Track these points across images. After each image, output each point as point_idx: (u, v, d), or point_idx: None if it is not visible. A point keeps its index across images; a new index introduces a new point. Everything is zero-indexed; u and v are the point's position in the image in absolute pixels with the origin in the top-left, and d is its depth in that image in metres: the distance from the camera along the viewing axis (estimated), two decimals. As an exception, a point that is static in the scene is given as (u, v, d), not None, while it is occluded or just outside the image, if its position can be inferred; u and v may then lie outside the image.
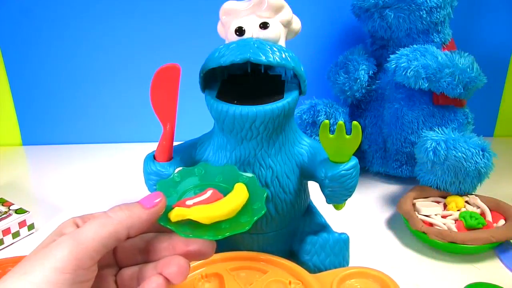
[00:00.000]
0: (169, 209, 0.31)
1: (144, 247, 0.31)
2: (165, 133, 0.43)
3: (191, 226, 0.30)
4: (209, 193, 0.32)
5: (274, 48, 0.41)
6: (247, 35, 0.43)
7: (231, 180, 0.35)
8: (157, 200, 0.30)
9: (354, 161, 0.42)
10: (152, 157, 0.45)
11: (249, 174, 0.36)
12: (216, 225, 0.30)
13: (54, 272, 0.25)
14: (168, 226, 0.30)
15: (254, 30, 0.43)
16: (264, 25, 0.43)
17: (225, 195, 0.32)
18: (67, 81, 0.86)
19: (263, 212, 0.31)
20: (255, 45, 0.41)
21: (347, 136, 0.40)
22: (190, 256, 0.30)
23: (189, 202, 0.31)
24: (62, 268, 0.25)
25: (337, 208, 0.48)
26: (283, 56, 0.41)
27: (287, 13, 0.44)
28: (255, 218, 0.31)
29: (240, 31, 0.43)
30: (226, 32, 0.45)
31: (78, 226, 0.29)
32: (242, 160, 0.44)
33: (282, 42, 0.44)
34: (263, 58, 0.40)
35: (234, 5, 0.44)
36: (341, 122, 0.39)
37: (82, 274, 0.26)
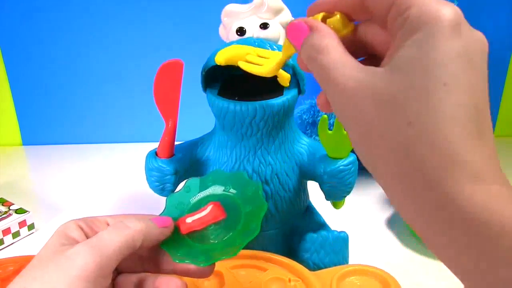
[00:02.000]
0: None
1: (147, 256, 0.32)
2: (167, 129, 0.43)
3: (186, 247, 0.31)
4: (208, 208, 0.33)
5: (274, 47, 0.42)
6: (247, 35, 0.44)
7: (239, 189, 0.35)
8: (167, 222, 0.31)
9: (352, 157, 0.43)
10: (154, 154, 0.45)
11: (256, 183, 0.35)
12: (209, 247, 0.31)
13: (77, 280, 0.25)
14: (164, 248, 0.31)
15: (255, 30, 0.44)
16: (264, 26, 0.44)
17: (232, 207, 0.33)
18: (67, 81, 0.86)
19: (256, 233, 0.31)
20: (256, 44, 0.41)
21: (345, 132, 0.40)
22: (190, 274, 0.31)
23: (188, 220, 0.32)
24: (85, 276, 0.25)
25: (336, 206, 0.48)
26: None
27: (287, 15, 0.45)
28: (246, 241, 0.31)
29: (241, 31, 0.44)
30: (227, 33, 0.46)
31: (82, 229, 0.29)
32: (242, 157, 0.44)
33: (281, 43, 0.44)
34: None
35: (235, 7, 0.45)
36: None
37: (101, 282, 0.26)
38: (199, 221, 0.32)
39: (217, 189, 0.35)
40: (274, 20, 0.44)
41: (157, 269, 0.31)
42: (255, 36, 0.43)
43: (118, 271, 0.31)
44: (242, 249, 0.30)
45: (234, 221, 0.32)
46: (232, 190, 0.35)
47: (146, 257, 0.32)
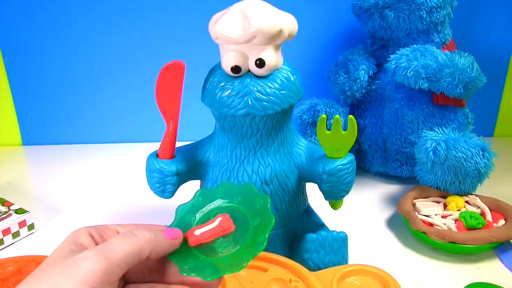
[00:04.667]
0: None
1: (154, 267, 0.32)
2: (168, 130, 0.43)
3: (193, 259, 0.31)
4: (217, 220, 0.33)
5: (272, 96, 0.42)
6: (243, 72, 0.42)
7: (248, 202, 0.35)
8: (177, 234, 0.31)
9: (350, 157, 0.43)
10: (155, 155, 0.46)
11: (265, 196, 0.35)
12: (216, 261, 0.31)
13: (82, 285, 0.25)
14: (171, 260, 0.31)
15: (251, 65, 0.42)
16: (260, 63, 0.41)
17: (240, 220, 0.33)
18: (67, 81, 0.86)
19: (263, 247, 0.31)
20: (253, 96, 0.41)
21: (343, 132, 0.41)
22: (197, 286, 0.31)
23: (197, 232, 0.32)
24: (91, 281, 0.25)
25: (335, 207, 0.48)
26: (281, 94, 0.42)
27: (284, 35, 0.42)
28: (254, 255, 0.31)
29: (236, 69, 0.42)
30: (221, 54, 0.43)
31: (92, 237, 0.29)
32: (242, 158, 0.45)
33: (279, 59, 0.43)
34: (262, 112, 0.41)
35: (226, 30, 0.41)
36: (337, 116, 0.40)
37: None
38: (208, 233, 0.32)
39: (226, 201, 0.35)
40: (269, 48, 0.42)
41: (165, 280, 0.31)
42: (252, 70, 0.42)
43: (125, 281, 0.31)
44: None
45: (242, 234, 0.32)
46: (240, 203, 0.35)
47: (154, 267, 0.32)
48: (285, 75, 0.43)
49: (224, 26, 0.41)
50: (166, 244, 0.30)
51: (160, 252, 0.30)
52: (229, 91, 0.42)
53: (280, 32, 0.41)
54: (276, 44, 0.42)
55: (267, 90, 0.42)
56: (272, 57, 0.42)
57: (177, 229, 0.32)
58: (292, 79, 0.43)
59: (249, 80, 0.42)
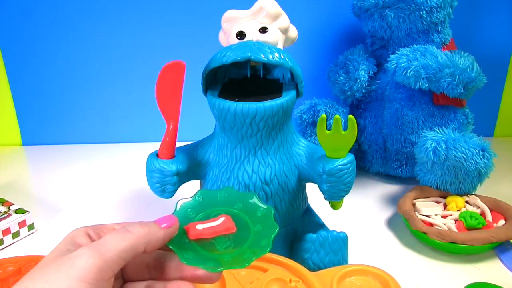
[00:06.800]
0: (181, 230, 0.32)
1: (153, 263, 0.32)
2: (168, 130, 0.43)
3: (194, 252, 0.31)
4: (221, 220, 0.33)
5: (273, 49, 0.43)
6: (247, 38, 0.44)
7: (249, 209, 0.35)
8: (172, 221, 0.31)
9: (350, 157, 0.43)
10: (155, 155, 0.46)
11: (268, 206, 0.35)
12: (218, 256, 0.31)
13: (77, 281, 0.25)
14: (171, 247, 0.30)
15: (254, 34, 0.44)
16: (263, 30, 0.45)
17: (241, 224, 0.33)
18: (67, 81, 0.86)
19: (267, 250, 0.31)
20: (256, 46, 0.42)
21: (344, 132, 0.41)
22: (197, 280, 0.31)
23: (199, 227, 0.32)
24: (85, 278, 0.25)
25: (335, 207, 0.48)
26: (281, 56, 0.43)
27: (284, 20, 0.46)
28: (257, 256, 0.31)
29: (241, 34, 0.45)
30: (227, 38, 0.46)
31: (90, 237, 0.29)
32: (242, 158, 0.45)
33: (280, 47, 0.45)
34: (263, 57, 0.42)
35: (235, 13, 0.46)
36: (337, 116, 0.40)
37: (102, 285, 0.26)
38: (210, 229, 0.32)
39: (227, 205, 0.35)
40: (272, 25, 0.45)
41: (164, 277, 0.31)
42: (254, 39, 0.44)
43: (124, 279, 0.31)
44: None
45: (243, 237, 0.32)
46: (241, 209, 0.35)
47: (152, 264, 0.32)
48: (286, 53, 0.44)
49: (234, 10, 0.46)
50: (160, 234, 0.30)
51: (155, 244, 0.29)
52: (230, 47, 0.43)
53: (280, 14, 0.45)
54: (279, 26, 0.45)
55: (270, 47, 0.43)
56: (275, 31, 0.45)
57: (172, 216, 0.31)
58: (292, 58, 0.44)
59: (250, 41, 0.43)
